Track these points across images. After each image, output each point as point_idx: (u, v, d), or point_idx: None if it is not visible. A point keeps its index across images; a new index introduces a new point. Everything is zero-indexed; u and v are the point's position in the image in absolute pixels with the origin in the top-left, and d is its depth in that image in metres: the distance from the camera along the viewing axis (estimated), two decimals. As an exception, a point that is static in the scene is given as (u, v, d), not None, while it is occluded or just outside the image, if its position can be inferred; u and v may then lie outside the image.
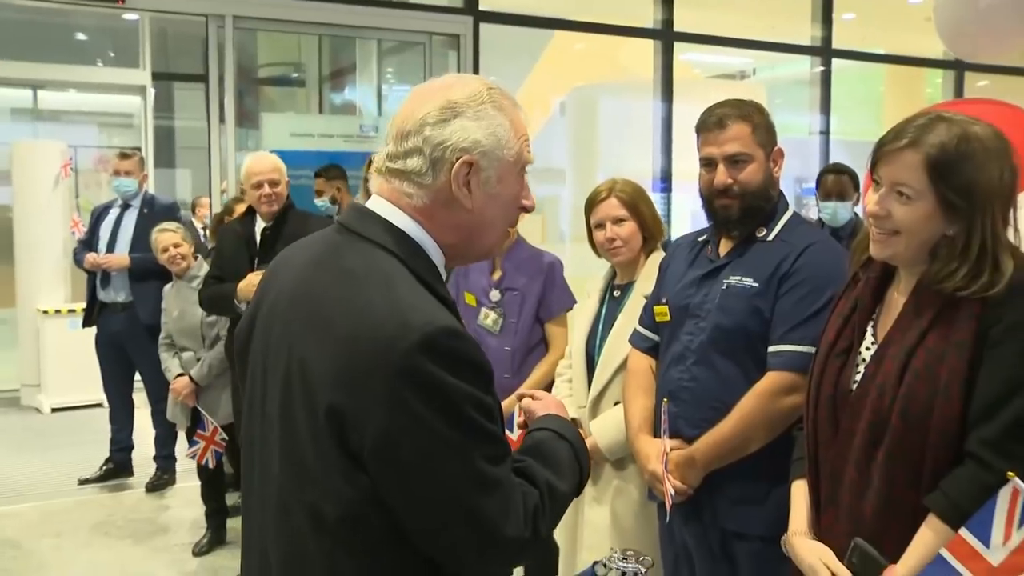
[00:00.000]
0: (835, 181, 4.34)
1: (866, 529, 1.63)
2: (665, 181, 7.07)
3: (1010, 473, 1.34)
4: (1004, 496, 1.35)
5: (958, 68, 8.75)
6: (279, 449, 1.30)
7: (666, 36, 7.16)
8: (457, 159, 1.29)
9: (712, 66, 11.87)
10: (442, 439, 1.18)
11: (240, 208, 4.54)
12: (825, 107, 8.22)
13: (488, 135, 1.31)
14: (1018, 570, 1.31)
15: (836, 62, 8.28)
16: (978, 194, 1.57)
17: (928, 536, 1.55)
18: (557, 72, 9.56)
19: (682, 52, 9.68)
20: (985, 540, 1.37)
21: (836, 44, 8.28)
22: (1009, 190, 1.60)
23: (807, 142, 8.64)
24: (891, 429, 1.59)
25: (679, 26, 7.35)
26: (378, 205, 1.35)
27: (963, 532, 1.39)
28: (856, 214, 4.37)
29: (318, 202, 5.30)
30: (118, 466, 5.42)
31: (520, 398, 1.63)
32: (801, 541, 1.77)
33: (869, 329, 1.73)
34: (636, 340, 2.53)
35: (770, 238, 2.27)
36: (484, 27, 6.40)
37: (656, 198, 7.76)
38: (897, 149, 1.61)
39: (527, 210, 1.41)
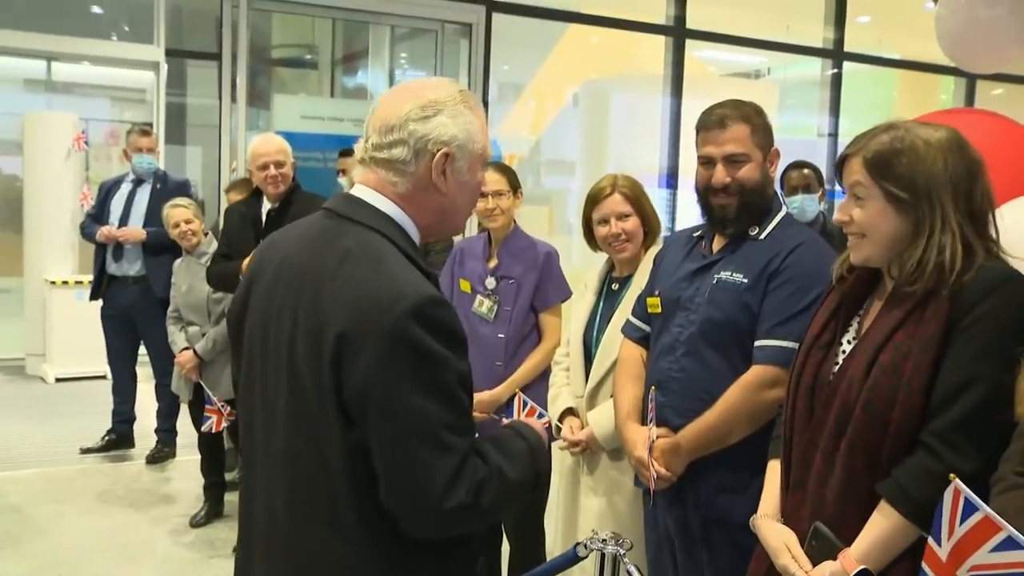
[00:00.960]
0: (799, 176, 4.47)
1: (827, 514, 1.71)
2: (672, 177, 7.10)
3: (951, 475, 1.42)
4: (948, 497, 1.43)
5: (969, 76, 8.75)
6: (285, 407, 1.47)
7: (677, 33, 7.19)
8: (438, 150, 1.50)
9: (727, 64, 11.86)
10: (415, 396, 1.36)
11: (234, 195, 4.63)
12: (835, 109, 8.24)
13: (462, 131, 1.52)
14: (963, 558, 1.39)
15: (850, 65, 8.28)
16: (919, 184, 1.65)
17: (879, 521, 1.63)
18: (571, 64, 9.59)
19: (698, 50, 9.70)
20: (939, 541, 1.46)
21: (851, 47, 8.28)
22: (960, 181, 1.66)
23: (816, 143, 8.66)
24: (854, 420, 1.66)
25: (697, 23, 7.37)
26: (364, 193, 1.54)
27: (930, 541, 1.48)
28: (823, 211, 4.51)
29: (341, 180, 5.35)
30: (120, 437, 5.49)
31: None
32: (767, 523, 1.85)
33: (855, 324, 1.80)
34: (628, 330, 2.59)
35: (762, 236, 2.33)
36: (497, 17, 6.43)
37: (663, 194, 7.81)
38: (847, 156, 1.74)
39: (483, 196, 1.59)
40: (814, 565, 1.70)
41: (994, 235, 1.71)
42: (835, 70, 8.29)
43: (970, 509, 1.39)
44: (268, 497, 1.53)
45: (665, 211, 7.64)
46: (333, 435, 1.41)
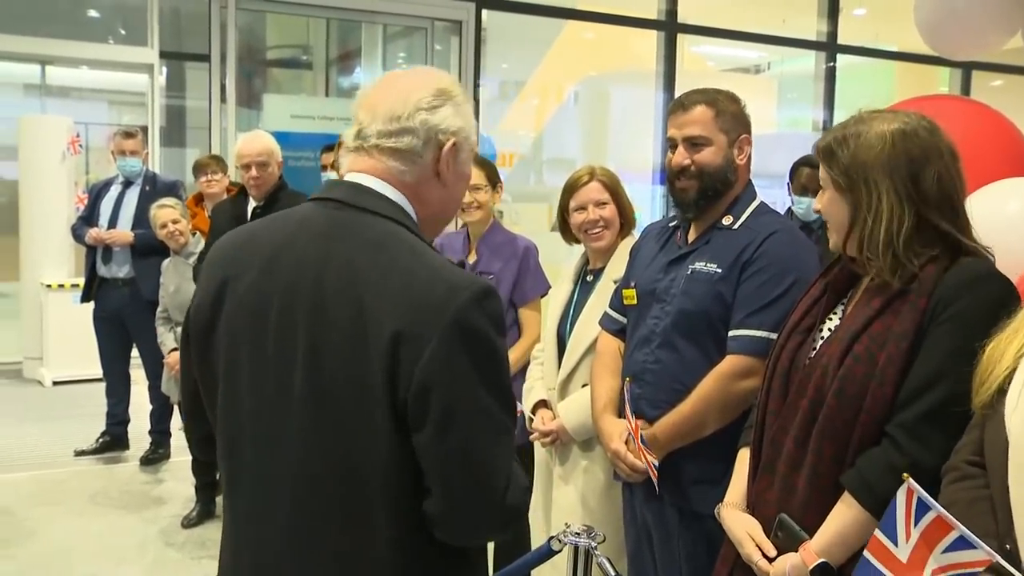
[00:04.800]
0: (811, 176, 4.18)
1: (796, 500, 1.70)
2: (666, 168, 7.08)
3: (904, 475, 1.39)
4: (901, 496, 1.40)
5: (964, 67, 8.71)
6: (300, 419, 1.35)
7: (669, 27, 7.17)
8: (447, 140, 1.44)
9: (725, 59, 11.86)
10: (481, 391, 1.31)
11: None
12: (830, 103, 8.21)
13: (466, 122, 1.48)
14: (922, 563, 1.36)
15: (850, 58, 8.25)
16: (854, 168, 1.68)
17: (841, 512, 1.63)
18: (569, 61, 9.58)
19: (696, 45, 9.67)
20: (893, 539, 1.42)
21: (848, 40, 8.25)
22: (899, 165, 1.66)
23: (814, 137, 8.64)
24: (825, 407, 1.66)
25: (693, 17, 7.35)
26: (370, 182, 1.44)
27: (877, 533, 1.45)
28: None
29: (328, 175, 5.36)
30: (114, 439, 5.48)
31: None
32: (731, 513, 1.85)
33: (839, 311, 1.80)
34: (606, 322, 2.58)
35: (736, 226, 2.31)
36: (493, 15, 6.42)
37: (659, 190, 7.79)
38: (819, 148, 1.78)
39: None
40: (779, 555, 1.69)
41: (965, 220, 1.70)
42: (830, 63, 8.26)
43: (923, 508, 1.36)
44: (265, 519, 1.41)
45: (662, 205, 7.63)
46: (378, 444, 1.31)
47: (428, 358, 1.27)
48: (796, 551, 1.66)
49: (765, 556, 1.72)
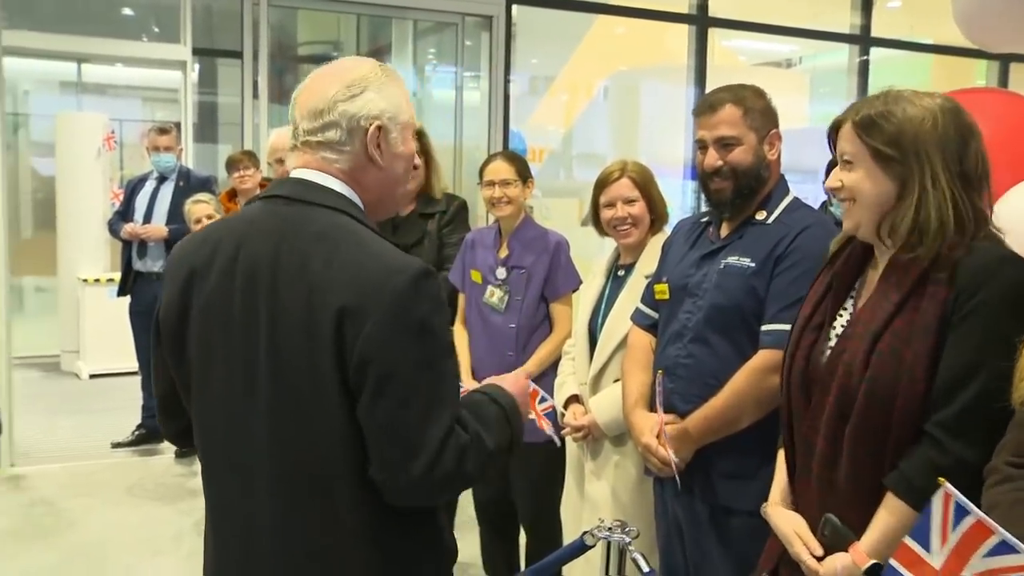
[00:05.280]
0: None
1: (838, 498, 1.68)
2: (696, 169, 7.02)
3: (940, 479, 1.36)
4: (937, 502, 1.37)
5: (1002, 59, 8.58)
6: (266, 402, 1.45)
7: (701, 21, 7.12)
8: (370, 125, 1.51)
9: (757, 53, 11.75)
10: (412, 366, 1.39)
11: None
12: (862, 97, 8.10)
13: (390, 103, 1.53)
14: (959, 568, 1.34)
15: (884, 52, 8.14)
16: (906, 140, 1.62)
17: (887, 513, 1.61)
18: (600, 56, 9.54)
19: (727, 39, 9.59)
20: (926, 545, 1.39)
21: (882, 33, 8.14)
22: (950, 141, 1.62)
23: (846, 132, 8.53)
24: (856, 409, 1.63)
25: (723, 11, 7.29)
26: (312, 175, 1.53)
27: (907, 540, 1.42)
28: None
29: None
30: (149, 432, 5.55)
31: (528, 377, 1.81)
32: (777, 511, 1.83)
33: (849, 304, 1.77)
34: (637, 317, 2.58)
35: (770, 220, 2.30)
36: (523, 10, 6.41)
37: (690, 185, 7.74)
38: (839, 123, 1.72)
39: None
40: (826, 554, 1.68)
41: (988, 209, 1.68)
42: (863, 57, 8.15)
43: (961, 513, 1.33)
44: (244, 502, 1.51)
45: (693, 201, 7.58)
46: (332, 417, 1.41)
47: (366, 333, 1.37)
48: (844, 551, 1.64)
49: (813, 555, 1.70)
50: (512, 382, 1.67)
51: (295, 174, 1.55)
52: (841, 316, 1.77)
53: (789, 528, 1.76)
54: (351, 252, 1.42)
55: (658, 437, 2.33)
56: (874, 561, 1.59)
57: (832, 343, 1.74)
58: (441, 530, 1.59)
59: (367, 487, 1.44)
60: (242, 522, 1.52)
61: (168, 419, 1.70)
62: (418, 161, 1.68)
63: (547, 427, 2.66)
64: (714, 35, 7.65)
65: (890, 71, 8.95)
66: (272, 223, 1.50)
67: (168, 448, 5.46)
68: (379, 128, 1.52)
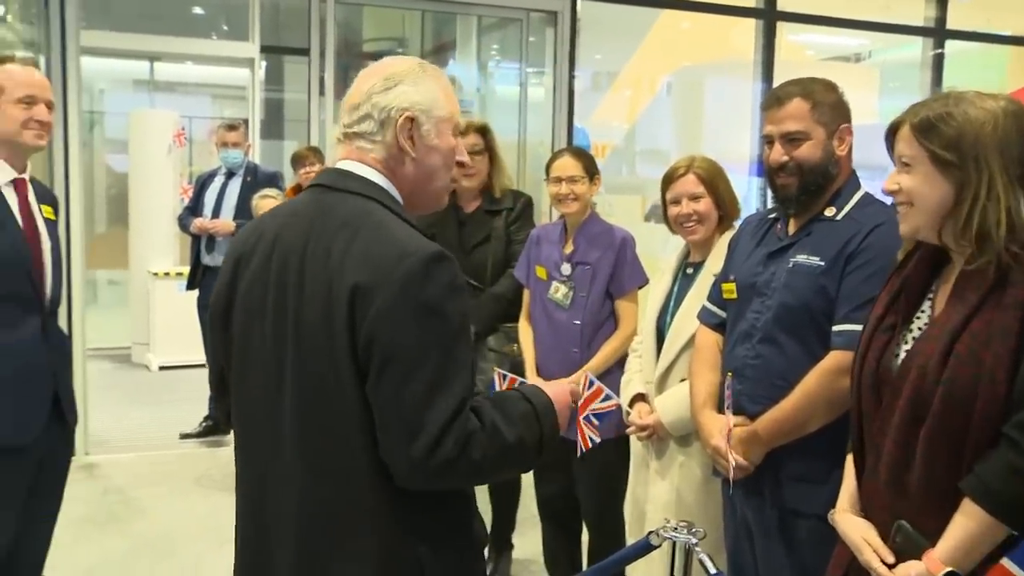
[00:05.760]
0: None
1: (909, 503, 1.64)
2: (763, 164, 6.91)
3: None
4: None
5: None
6: (293, 382, 1.50)
7: (769, 15, 6.99)
8: (400, 115, 1.56)
9: (826, 48, 11.53)
10: (417, 346, 1.41)
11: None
12: (936, 91, 7.89)
13: (424, 96, 1.57)
14: None
15: (957, 45, 7.92)
16: (965, 145, 1.58)
17: (963, 519, 1.56)
18: (664, 51, 9.45)
19: (795, 33, 9.43)
20: None
21: (956, 25, 7.92)
22: (1010, 145, 1.58)
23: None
24: (933, 412, 1.59)
25: (791, 4, 7.15)
26: (348, 165, 1.60)
27: (1005, 562, 1.41)
28: None
29: None
30: (216, 423, 5.66)
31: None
32: (845, 518, 1.79)
33: (927, 306, 1.72)
34: (704, 316, 2.54)
35: (839, 217, 2.25)
36: (584, 4, 6.37)
37: (755, 182, 7.63)
38: (897, 125, 1.69)
39: (462, 164, 1.67)
40: (897, 562, 1.63)
41: None
42: (937, 50, 7.94)
43: None
44: (275, 478, 1.56)
45: (759, 198, 7.47)
46: (349, 398, 1.45)
47: (375, 312, 1.41)
48: (917, 559, 1.60)
49: (884, 563, 1.66)
50: (554, 388, 1.67)
51: (337, 165, 1.62)
52: (918, 319, 1.72)
53: (858, 535, 1.72)
54: (370, 234, 1.47)
55: (728, 440, 2.29)
56: (950, 569, 1.54)
57: (908, 346, 1.70)
58: (467, 516, 1.60)
59: (385, 468, 1.46)
60: (271, 497, 1.57)
61: (221, 400, 1.75)
62: (467, 158, 1.71)
63: (589, 433, 2.62)
64: (781, 29, 7.52)
65: (962, 65, 8.70)
66: (308, 211, 1.57)
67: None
68: (410, 119, 1.56)
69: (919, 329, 1.70)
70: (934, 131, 1.61)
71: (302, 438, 1.50)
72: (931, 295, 1.73)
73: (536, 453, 1.56)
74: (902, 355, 1.69)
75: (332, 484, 1.49)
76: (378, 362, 1.41)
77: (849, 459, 1.86)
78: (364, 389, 1.44)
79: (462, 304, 1.48)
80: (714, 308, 2.51)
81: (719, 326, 2.48)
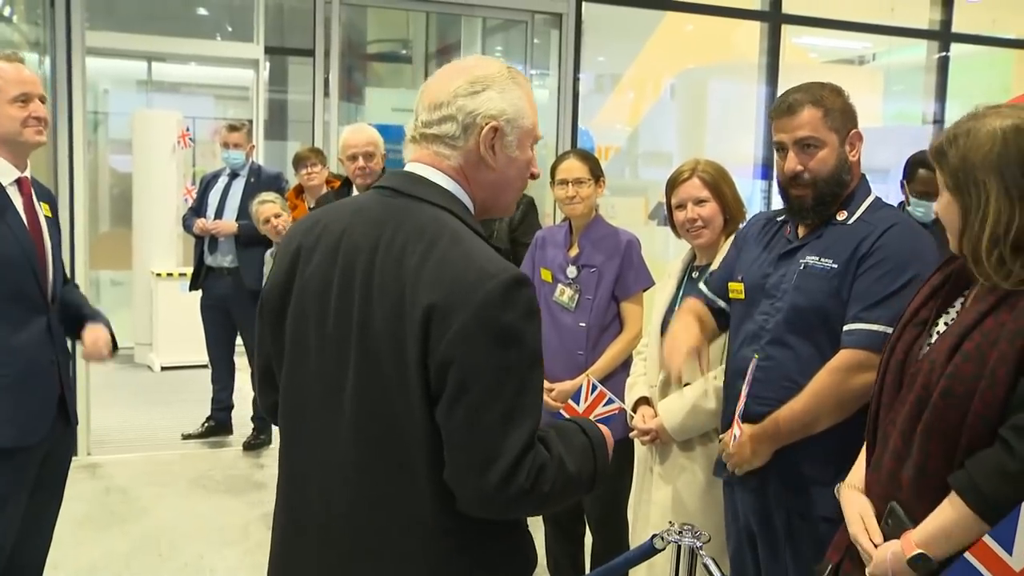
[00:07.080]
0: (928, 179, 3.69)
1: (902, 495, 1.68)
2: (768, 168, 6.91)
3: None
4: None
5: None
6: (353, 385, 1.46)
7: (774, 18, 6.99)
8: (486, 124, 1.50)
9: (829, 51, 11.51)
10: (493, 372, 1.36)
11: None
12: (941, 95, 7.88)
13: (510, 105, 1.52)
14: None
15: (962, 48, 7.91)
16: (963, 170, 1.61)
17: (946, 510, 1.59)
18: (668, 53, 9.43)
19: (798, 36, 9.41)
20: (1008, 547, 1.38)
21: (962, 28, 7.90)
22: (1011, 163, 1.58)
23: (922, 131, 8.33)
24: (931, 405, 1.61)
25: (796, 7, 7.15)
26: (421, 169, 1.54)
27: (986, 539, 1.41)
28: None
29: None
30: (218, 424, 5.67)
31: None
32: (849, 492, 1.84)
33: (958, 304, 1.74)
34: (695, 293, 2.57)
35: (850, 221, 2.24)
36: (589, 7, 6.37)
37: (759, 185, 7.62)
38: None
39: (534, 177, 1.61)
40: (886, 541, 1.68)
41: None
42: (942, 53, 7.92)
43: None
44: (323, 480, 1.52)
45: (762, 202, 7.47)
46: (413, 412, 1.40)
47: (452, 335, 1.35)
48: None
49: (872, 542, 1.70)
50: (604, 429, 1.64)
51: (408, 167, 1.56)
52: (947, 315, 1.74)
53: (855, 511, 1.77)
54: (447, 250, 1.41)
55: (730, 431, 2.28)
56: (920, 551, 1.59)
57: (932, 340, 1.71)
58: (522, 542, 1.57)
59: (445, 486, 1.42)
60: (317, 498, 1.52)
61: (265, 392, 1.72)
62: (537, 170, 1.64)
63: None
64: (785, 32, 7.51)
65: (968, 68, 8.68)
66: (377, 213, 1.51)
67: (236, 441, 5.56)
68: (494, 129, 1.50)
69: (945, 325, 1.72)
70: (944, 157, 1.65)
71: (358, 445, 1.47)
72: (966, 293, 1.74)
73: (590, 486, 1.54)
74: (925, 349, 1.71)
75: (387, 499, 1.46)
76: (452, 386, 1.37)
77: (865, 443, 1.88)
78: (431, 409, 1.40)
79: (538, 330, 1.44)
80: (710, 294, 2.52)
81: (708, 305, 2.52)
